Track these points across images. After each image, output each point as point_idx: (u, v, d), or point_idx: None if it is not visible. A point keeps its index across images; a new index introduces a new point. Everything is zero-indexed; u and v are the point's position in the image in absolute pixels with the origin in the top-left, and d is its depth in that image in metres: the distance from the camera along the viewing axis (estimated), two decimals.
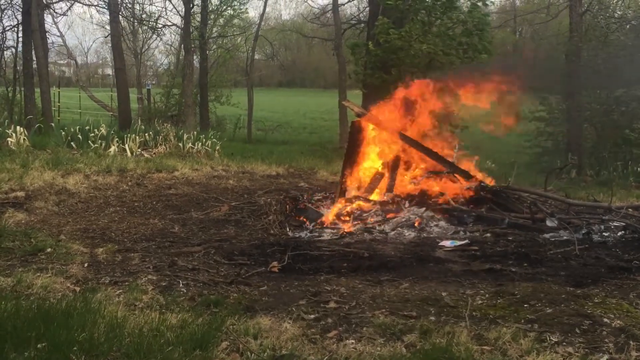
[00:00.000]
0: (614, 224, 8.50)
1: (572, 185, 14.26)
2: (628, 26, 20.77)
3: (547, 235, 8.11)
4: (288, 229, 8.48)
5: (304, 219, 8.88)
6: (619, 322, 5.17)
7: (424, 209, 8.78)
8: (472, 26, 16.56)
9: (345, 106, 11.28)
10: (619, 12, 23.19)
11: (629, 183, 15.85)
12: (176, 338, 4.57)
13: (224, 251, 7.20)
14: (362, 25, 25.45)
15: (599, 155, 17.78)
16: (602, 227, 8.44)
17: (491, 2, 19.99)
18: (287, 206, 9.24)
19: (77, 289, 5.87)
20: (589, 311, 5.38)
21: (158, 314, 5.13)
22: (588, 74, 17.49)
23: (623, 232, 8.31)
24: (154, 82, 37.99)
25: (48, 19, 25.00)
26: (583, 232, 8.28)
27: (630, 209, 8.94)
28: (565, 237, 8.04)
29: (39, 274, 6.15)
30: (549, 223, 8.49)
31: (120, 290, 5.84)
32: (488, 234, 8.15)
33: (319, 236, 8.17)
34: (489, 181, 9.42)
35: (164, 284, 6.13)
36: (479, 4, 17.55)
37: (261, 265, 6.65)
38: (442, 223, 8.58)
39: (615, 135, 17.85)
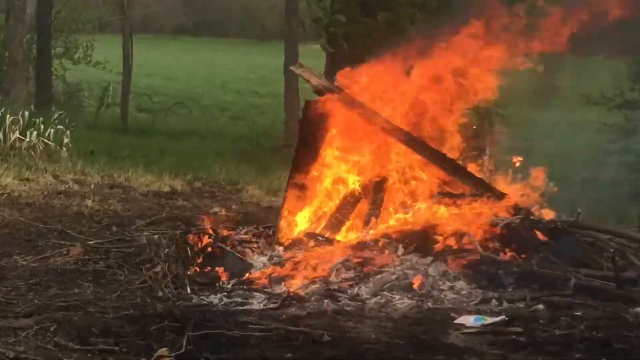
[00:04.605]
0: None
1: None
2: None
3: None
4: (189, 290, 6.88)
5: (219, 272, 7.17)
6: None
7: (429, 258, 7.23)
8: None
9: (295, 74, 9.41)
10: None
11: None
12: None
13: (74, 328, 5.83)
14: None
15: None
16: None
17: None
18: (189, 249, 7.53)
19: None
20: None
21: None
22: None
23: None
24: None
25: None
26: None
27: None
28: None
29: None
30: None
31: None
32: (540, 305, 6.62)
33: (243, 303, 6.67)
34: (544, 213, 7.86)
35: None
36: None
37: (139, 353, 5.45)
38: (462, 283, 6.98)
39: None
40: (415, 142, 7.88)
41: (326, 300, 6.61)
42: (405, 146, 7.89)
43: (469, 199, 7.82)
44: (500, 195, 7.77)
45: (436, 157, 7.93)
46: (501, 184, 8.08)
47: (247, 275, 7.20)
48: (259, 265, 7.48)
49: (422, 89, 7.95)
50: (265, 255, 7.68)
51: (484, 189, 7.82)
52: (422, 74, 7.96)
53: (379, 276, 7.03)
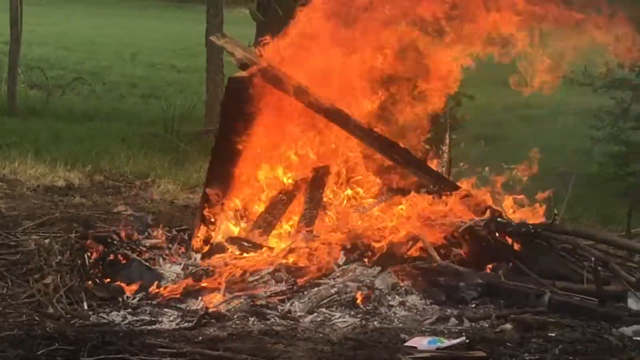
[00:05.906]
0: None
1: None
2: None
3: (626, 330, 6.28)
4: (86, 305, 6.58)
5: (121, 284, 6.85)
6: None
7: (376, 268, 6.95)
8: None
9: (217, 45, 8.71)
10: None
11: None
12: None
13: None
14: None
15: None
16: None
17: None
18: (86, 256, 7.22)
19: None
20: None
21: None
22: None
23: None
24: None
25: None
26: None
27: None
28: None
29: None
30: (632, 304, 6.67)
31: None
32: (508, 325, 6.40)
33: (152, 321, 6.39)
34: (514, 214, 7.48)
35: None
36: None
37: None
38: (414, 298, 6.78)
39: None
40: (358, 128, 7.40)
41: (252, 319, 6.24)
42: (348, 133, 7.38)
43: (424, 196, 7.39)
44: (462, 193, 7.30)
45: (385, 146, 7.46)
46: (463, 180, 7.64)
47: (156, 286, 6.69)
48: (172, 276, 7.04)
49: (371, 64, 7.36)
50: (179, 264, 7.27)
51: (442, 185, 7.39)
52: (372, 46, 7.32)
53: (315, 289, 6.62)
